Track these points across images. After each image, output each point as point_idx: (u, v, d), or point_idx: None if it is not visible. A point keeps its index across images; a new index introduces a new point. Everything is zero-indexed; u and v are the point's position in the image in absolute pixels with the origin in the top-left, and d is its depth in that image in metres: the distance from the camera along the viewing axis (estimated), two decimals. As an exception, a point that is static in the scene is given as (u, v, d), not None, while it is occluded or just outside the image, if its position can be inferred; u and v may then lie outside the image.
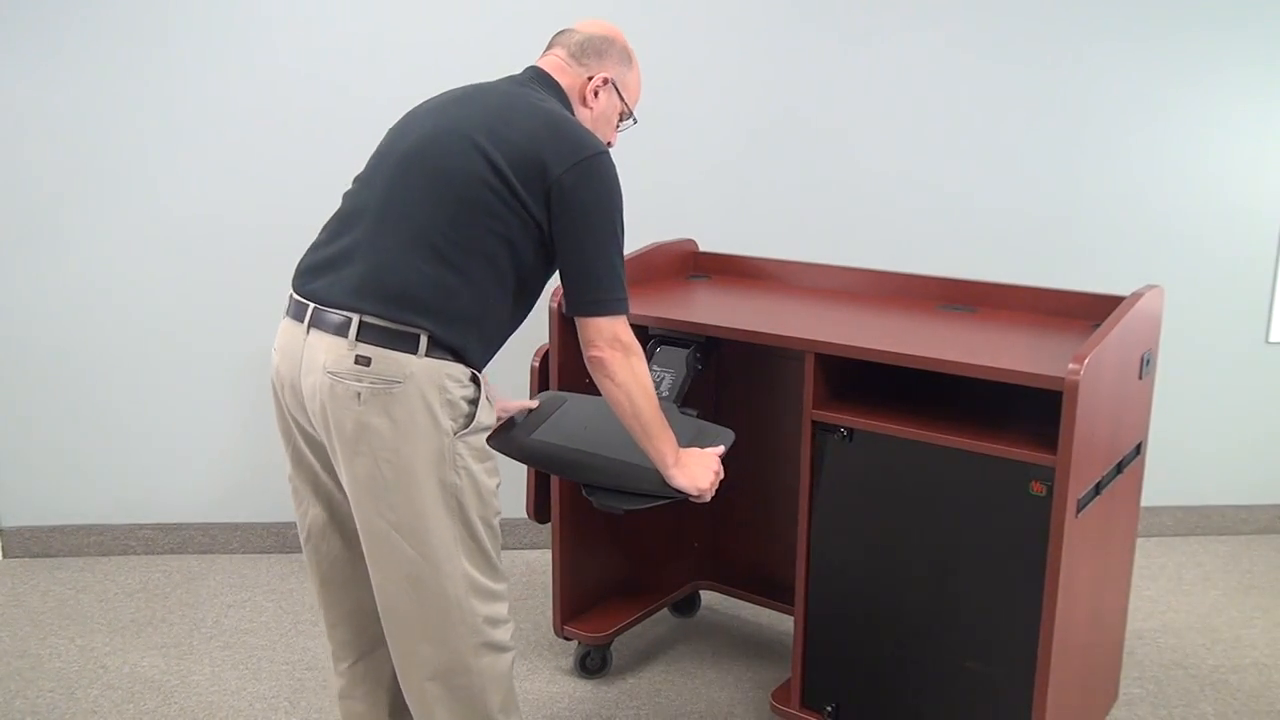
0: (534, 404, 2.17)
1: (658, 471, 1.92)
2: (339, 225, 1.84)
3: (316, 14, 3.12)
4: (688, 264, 2.94)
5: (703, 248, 3.00)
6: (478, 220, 1.73)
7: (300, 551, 3.43)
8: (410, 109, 1.95)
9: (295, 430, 1.90)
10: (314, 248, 1.87)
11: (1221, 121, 3.37)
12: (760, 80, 3.26)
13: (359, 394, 1.71)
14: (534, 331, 2.27)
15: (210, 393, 3.33)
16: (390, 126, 1.94)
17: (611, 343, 1.81)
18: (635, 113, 2.08)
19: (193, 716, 2.54)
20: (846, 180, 3.34)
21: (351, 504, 1.81)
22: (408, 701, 1.93)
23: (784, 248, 3.32)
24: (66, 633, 2.92)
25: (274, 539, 3.43)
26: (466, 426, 1.78)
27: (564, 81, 1.96)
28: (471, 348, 1.78)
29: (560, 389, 2.51)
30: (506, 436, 2.07)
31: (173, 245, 3.23)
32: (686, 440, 2.01)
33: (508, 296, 1.82)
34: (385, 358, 1.71)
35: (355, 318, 1.72)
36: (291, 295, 1.85)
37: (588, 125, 1.95)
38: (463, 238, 1.73)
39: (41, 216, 3.18)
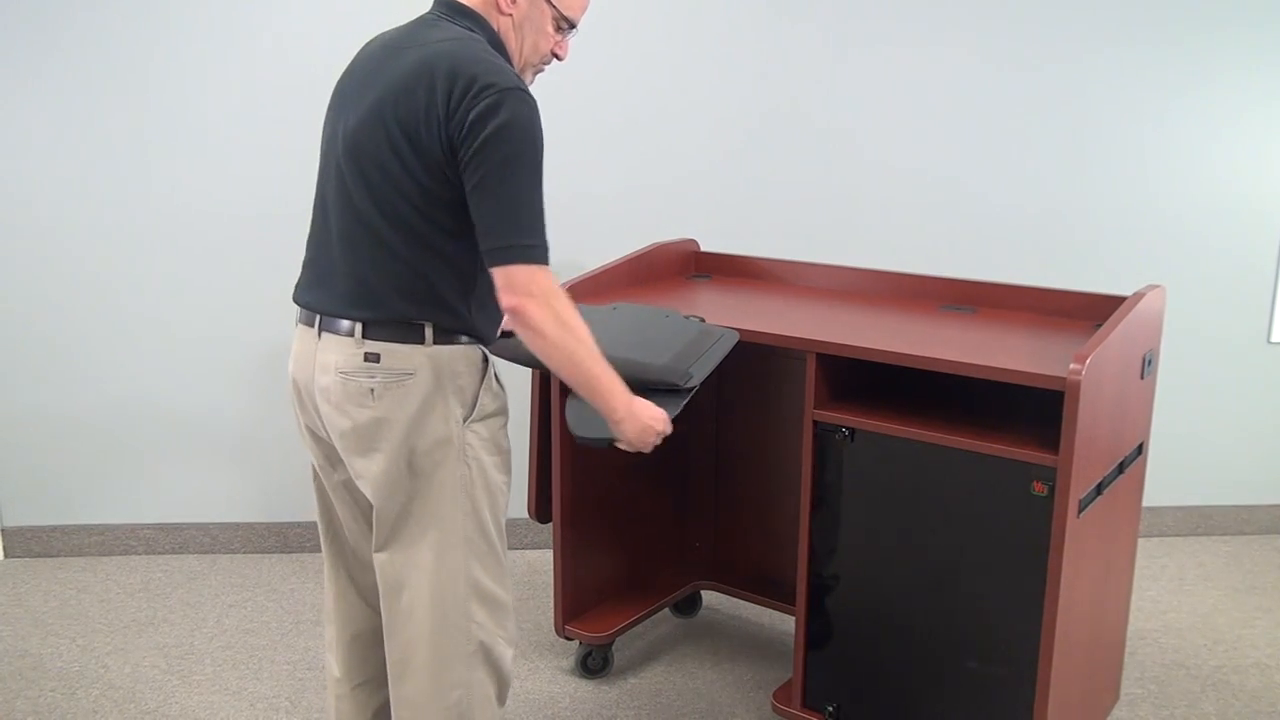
0: None
1: (663, 365, 1.88)
2: (316, 246, 1.83)
3: (315, 9, 3.12)
4: (689, 264, 2.94)
5: (704, 247, 3.00)
6: (427, 202, 1.69)
7: (302, 552, 3.44)
8: (340, 81, 1.85)
9: (310, 437, 1.89)
10: (305, 265, 1.86)
11: (1223, 121, 3.37)
12: (762, 79, 3.26)
13: (372, 390, 1.72)
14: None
15: (211, 393, 3.33)
16: (329, 104, 1.87)
17: (528, 291, 1.64)
18: (574, 19, 1.86)
19: (194, 716, 2.54)
20: (848, 180, 3.34)
21: (369, 497, 1.79)
22: (394, 715, 1.87)
23: (785, 248, 3.32)
24: (68, 632, 2.93)
25: (275, 539, 3.44)
26: (473, 412, 1.77)
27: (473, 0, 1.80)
28: (476, 320, 1.77)
29: None
30: (511, 343, 2.08)
31: (173, 244, 3.23)
32: (686, 342, 1.99)
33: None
34: (394, 352, 1.71)
35: (359, 323, 1.72)
36: (298, 307, 1.85)
37: (510, 37, 1.81)
38: (420, 227, 1.70)
39: (41, 214, 3.18)
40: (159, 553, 3.42)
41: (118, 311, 3.26)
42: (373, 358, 1.71)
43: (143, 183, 3.19)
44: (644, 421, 1.83)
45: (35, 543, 3.38)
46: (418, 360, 1.72)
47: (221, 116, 3.17)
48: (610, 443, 1.86)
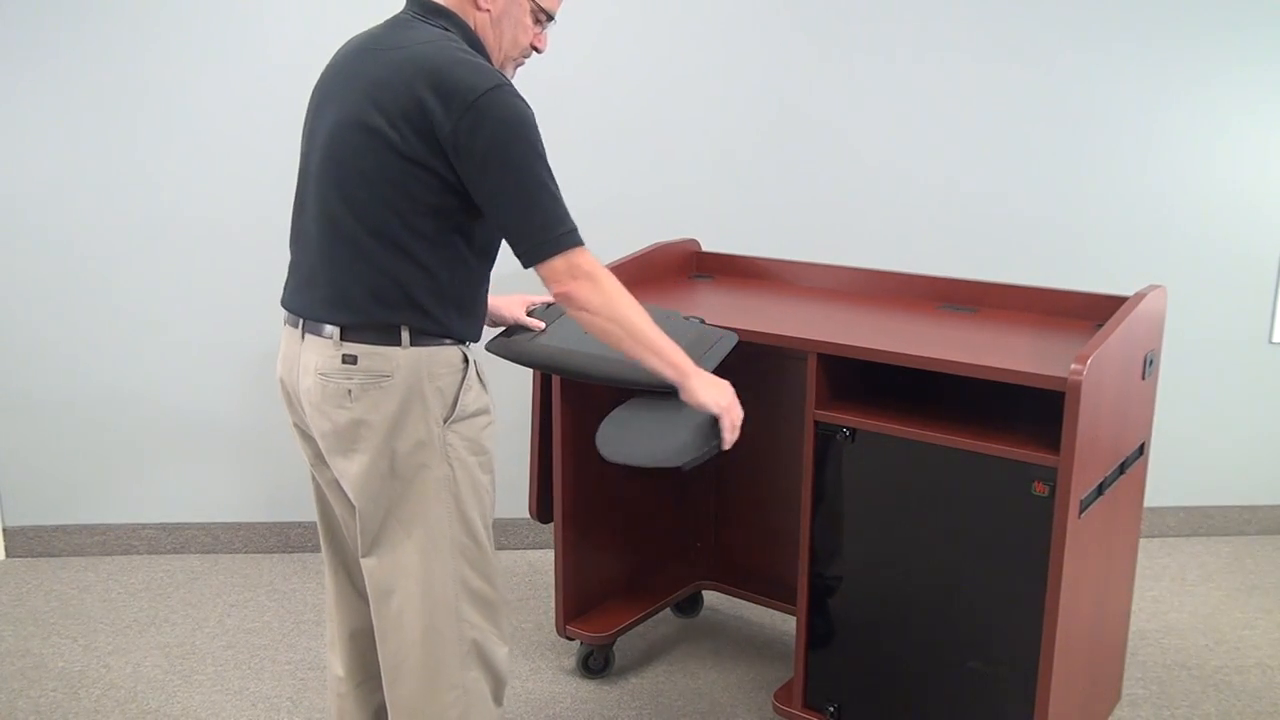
0: (538, 324, 2.15)
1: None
2: (296, 252, 1.84)
3: (316, 15, 3.12)
4: (690, 264, 2.94)
5: (705, 247, 3.00)
6: (403, 206, 1.69)
7: (303, 552, 3.44)
8: (316, 85, 1.85)
9: (300, 435, 1.91)
10: (289, 268, 1.88)
11: (1225, 122, 3.37)
12: (763, 80, 3.26)
13: (349, 390, 1.73)
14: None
15: (212, 392, 3.33)
16: (307, 108, 1.86)
17: (572, 275, 1.71)
18: (552, 10, 1.87)
19: (195, 716, 2.55)
20: (849, 180, 3.34)
21: (351, 498, 1.80)
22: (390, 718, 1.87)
23: (786, 248, 3.32)
24: (69, 632, 2.93)
25: (277, 539, 3.44)
26: (453, 413, 1.77)
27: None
28: (453, 322, 1.77)
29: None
30: (507, 342, 2.06)
31: (174, 244, 3.23)
32: (687, 343, 1.97)
33: (465, 260, 1.76)
34: (372, 354, 1.72)
35: (338, 326, 1.73)
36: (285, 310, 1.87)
37: (488, 33, 1.81)
38: (395, 231, 1.69)
39: (41, 215, 3.19)
40: (160, 552, 3.42)
41: (119, 312, 3.26)
42: (350, 359, 1.72)
43: (143, 183, 3.19)
44: (713, 379, 1.86)
45: (37, 542, 3.38)
46: (395, 362, 1.72)
47: (222, 119, 3.17)
48: (699, 456, 1.85)
